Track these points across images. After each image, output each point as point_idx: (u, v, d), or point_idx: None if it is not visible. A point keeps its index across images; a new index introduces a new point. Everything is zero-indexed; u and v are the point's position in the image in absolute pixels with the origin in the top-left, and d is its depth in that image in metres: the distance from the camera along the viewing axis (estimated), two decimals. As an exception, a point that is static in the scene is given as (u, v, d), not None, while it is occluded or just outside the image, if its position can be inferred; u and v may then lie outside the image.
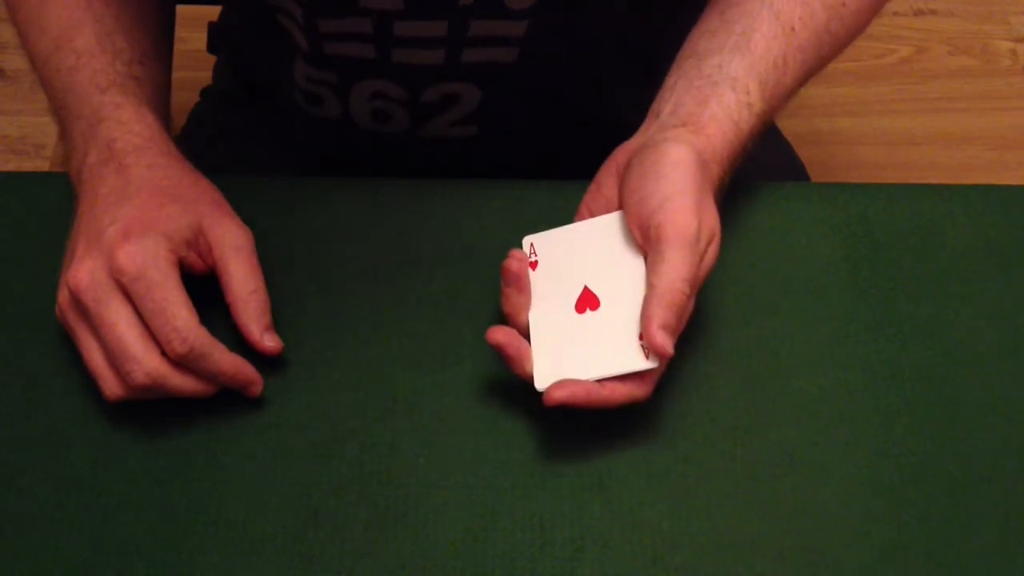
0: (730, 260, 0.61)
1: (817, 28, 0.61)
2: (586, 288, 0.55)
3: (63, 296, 0.55)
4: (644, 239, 0.54)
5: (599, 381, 0.52)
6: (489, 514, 0.53)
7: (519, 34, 0.66)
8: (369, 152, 0.76)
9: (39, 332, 0.59)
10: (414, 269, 0.62)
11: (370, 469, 0.55)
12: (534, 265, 0.57)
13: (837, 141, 1.48)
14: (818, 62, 0.62)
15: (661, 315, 0.51)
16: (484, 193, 0.65)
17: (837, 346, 0.59)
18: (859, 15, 0.64)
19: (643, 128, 0.59)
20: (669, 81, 0.60)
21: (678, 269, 0.52)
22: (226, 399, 0.55)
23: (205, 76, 0.89)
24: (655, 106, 0.60)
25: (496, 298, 0.56)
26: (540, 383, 0.53)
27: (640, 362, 0.52)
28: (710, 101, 0.58)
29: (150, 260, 0.53)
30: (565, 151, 0.71)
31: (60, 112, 0.62)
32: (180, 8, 0.74)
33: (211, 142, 0.81)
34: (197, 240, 0.56)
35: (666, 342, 0.51)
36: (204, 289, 0.56)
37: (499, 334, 0.54)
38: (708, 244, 0.54)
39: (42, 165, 1.44)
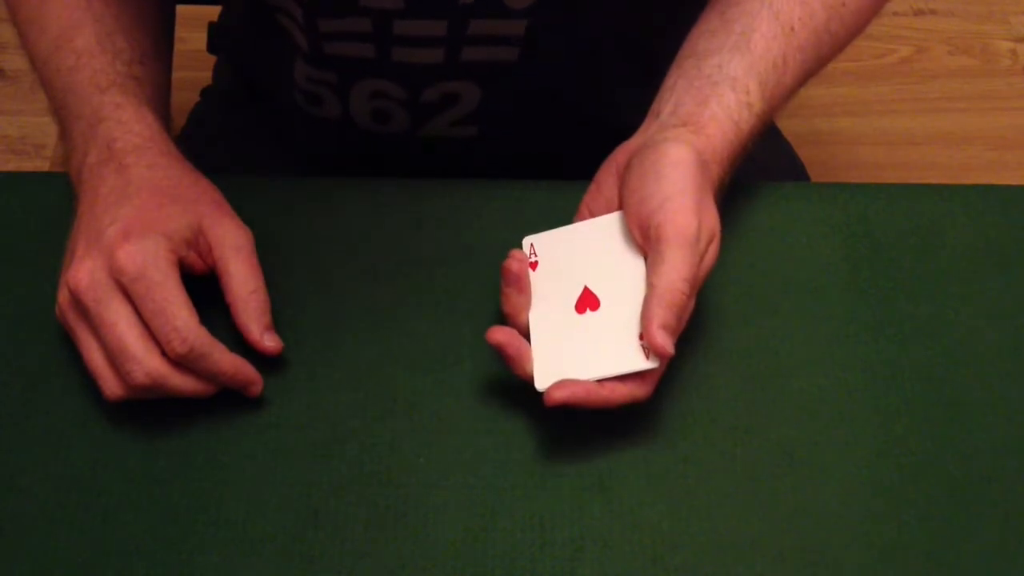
0: (730, 260, 0.61)
1: (817, 28, 0.61)
2: (586, 288, 0.55)
3: (63, 296, 0.55)
4: (644, 239, 0.54)
5: (599, 381, 0.52)
6: (489, 514, 0.53)
7: (519, 33, 0.66)
8: (369, 152, 0.76)
9: (39, 332, 0.59)
10: (414, 269, 0.62)
11: (370, 469, 0.55)
12: (534, 265, 0.57)
13: (837, 141, 1.48)
14: (818, 62, 0.62)
15: (661, 315, 0.51)
16: (484, 193, 0.65)
17: (837, 346, 0.59)
18: (859, 15, 0.64)
19: (643, 128, 0.59)
20: (669, 81, 0.60)
21: (678, 269, 0.52)
22: (226, 399, 0.55)
23: (205, 76, 0.89)
24: (655, 106, 0.60)
25: (496, 298, 0.56)
26: (540, 383, 0.53)
27: (640, 362, 0.52)
28: (710, 101, 0.58)
29: (150, 260, 0.53)
30: (565, 151, 0.71)
31: (60, 112, 0.62)
32: (180, 8, 0.74)
33: (211, 142, 0.81)
34: (197, 240, 0.56)
35: (666, 342, 0.51)
36: (204, 289, 0.56)
37: (499, 334, 0.54)
38: (708, 244, 0.54)
39: (42, 165, 1.44)
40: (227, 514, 0.53)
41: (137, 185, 0.56)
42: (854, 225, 0.65)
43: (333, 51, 0.68)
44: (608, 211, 0.57)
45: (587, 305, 0.55)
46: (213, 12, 0.89)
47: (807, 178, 0.85)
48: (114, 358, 0.53)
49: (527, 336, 0.55)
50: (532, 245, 0.58)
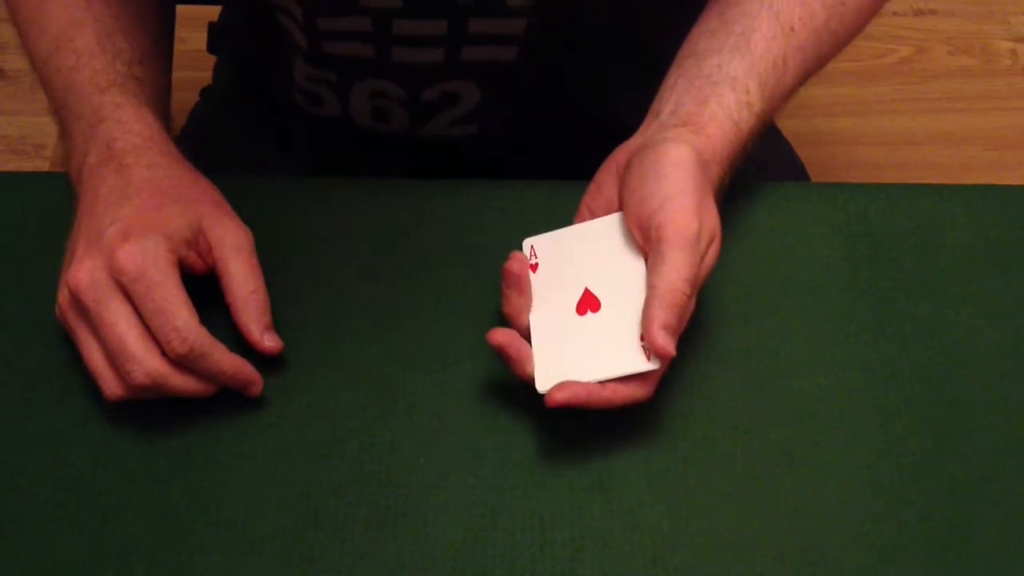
0: (730, 260, 0.61)
1: (816, 27, 0.61)
2: (587, 290, 0.55)
3: (63, 296, 0.55)
4: (644, 240, 0.54)
5: (600, 382, 0.52)
6: (489, 514, 0.53)
7: (518, 32, 0.66)
8: (369, 152, 0.76)
9: (39, 332, 0.59)
10: (414, 269, 0.62)
11: (370, 469, 0.55)
12: (535, 267, 0.57)
13: (837, 141, 1.48)
14: (818, 62, 0.62)
15: (662, 316, 0.51)
16: (484, 193, 0.65)
17: (837, 346, 0.59)
18: (859, 14, 0.64)
19: (643, 128, 0.59)
20: (669, 81, 0.60)
21: (679, 270, 0.52)
22: (226, 399, 0.55)
23: (205, 76, 0.89)
24: (655, 106, 0.60)
25: (496, 298, 0.56)
26: (541, 385, 0.53)
27: (641, 363, 0.52)
28: (710, 101, 0.58)
29: (150, 260, 0.53)
30: (565, 151, 0.71)
31: (60, 112, 0.62)
32: (180, 8, 0.74)
33: (211, 142, 0.81)
34: (197, 240, 0.56)
35: (667, 343, 0.51)
36: (204, 289, 0.56)
37: (500, 336, 0.54)
38: (709, 244, 0.54)
39: (42, 165, 1.44)
40: (227, 514, 0.53)
41: (137, 185, 0.56)
42: (854, 225, 0.65)
43: (333, 50, 0.68)
44: (608, 211, 0.57)
45: (588, 307, 0.55)
46: (213, 12, 0.89)
47: (807, 178, 0.85)
48: (114, 358, 0.53)
49: (528, 338, 0.55)
50: (532, 247, 0.58)
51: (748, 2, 0.61)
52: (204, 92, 0.89)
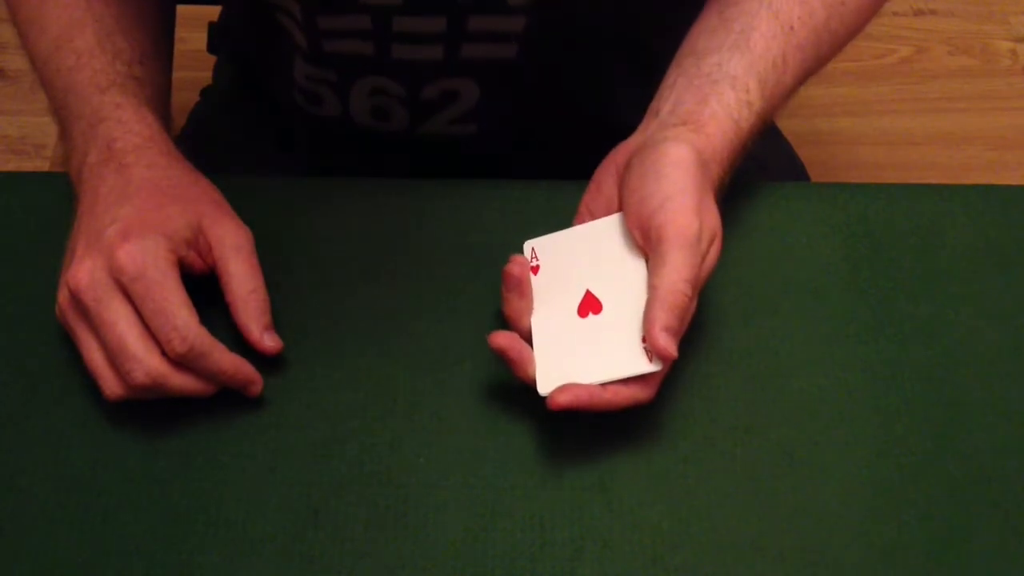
0: (730, 260, 0.61)
1: (816, 27, 0.61)
2: (588, 292, 0.55)
3: (63, 296, 0.55)
4: (644, 240, 0.54)
5: (602, 384, 0.52)
6: (489, 514, 0.53)
7: (518, 30, 0.66)
8: (369, 152, 0.76)
9: (39, 332, 0.59)
10: (414, 269, 0.62)
11: (370, 469, 0.55)
12: (535, 270, 0.57)
13: (837, 141, 1.48)
14: (817, 61, 0.62)
15: (663, 318, 0.51)
16: (484, 193, 0.65)
17: (837, 346, 0.59)
18: (859, 13, 0.64)
19: (642, 127, 0.59)
20: (668, 79, 0.60)
21: (680, 271, 0.52)
22: (226, 399, 0.55)
23: (205, 76, 0.89)
24: (654, 104, 0.60)
25: (496, 298, 0.56)
26: (543, 387, 0.53)
27: (643, 365, 0.52)
28: (710, 99, 0.57)
29: (150, 260, 0.53)
30: (565, 150, 0.71)
31: (60, 112, 0.62)
32: (180, 8, 0.74)
33: (211, 142, 0.81)
34: (197, 240, 0.56)
35: (669, 344, 0.51)
36: (204, 289, 0.56)
37: (501, 339, 0.53)
38: (710, 244, 0.54)
39: (42, 165, 1.44)
40: (227, 514, 0.53)
41: (137, 185, 0.57)
42: (854, 225, 0.64)
43: (332, 49, 0.68)
44: (608, 211, 0.57)
45: (589, 309, 0.55)
46: (213, 12, 0.89)
47: (807, 178, 0.85)
48: (114, 358, 0.53)
49: (529, 340, 0.55)
50: (533, 249, 0.58)
51: (747, 1, 0.61)
52: (204, 92, 0.89)
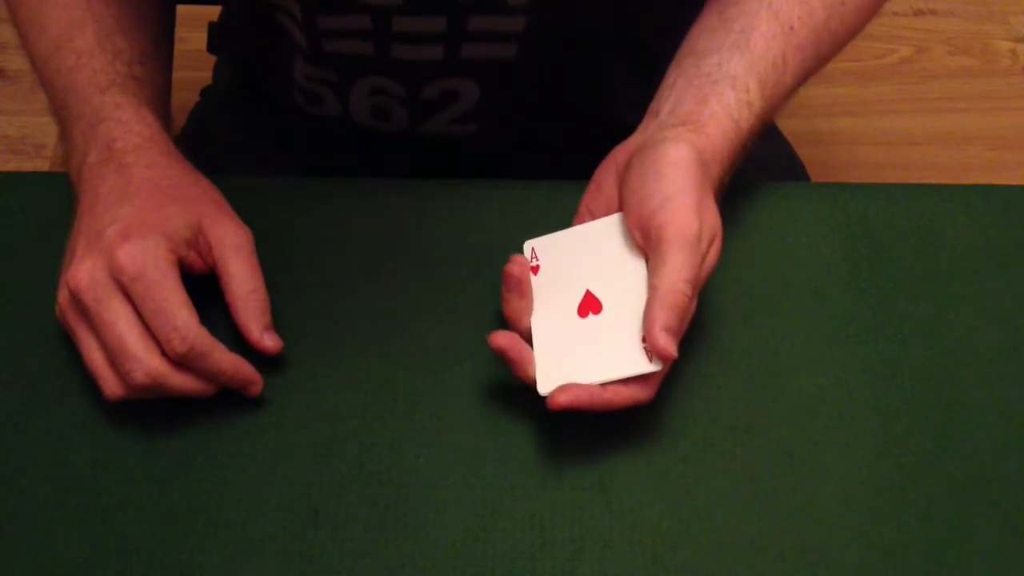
0: (730, 260, 0.61)
1: (816, 27, 0.61)
2: (588, 292, 0.55)
3: (63, 296, 0.55)
4: (645, 240, 0.54)
5: (602, 384, 0.52)
6: (489, 514, 0.53)
7: (518, 30, 0.66)
8: (369, 152, 0.76)
9: (39, 332, 0.59)
10: (414, 269, 0.62)
11: (370, 469, 0.55)
12: (536, 269, 0.57)
13: (837, 141, 1.48)
14: (817, 61, 0.62)
15: (663, 318, 0.51)
16: (484, 193, 0.65)
17: (837, 346, 0.59)
18: (859, 13, 0.64)
19: (642, 127, 0.59)
20: (668, 79, 0.60)
21: (680, 270, 0.52)
22: (226, 399, 0.55)
23: (205, 76, 0.89)
24: (654, 104, 0.60)
25: (496, 298, 0.56)
26: (543, 388, 0.53)
27: (643, 365, 0.52)
28: (710, 99, 0.57)
29: (150, 260, 0.53)
30: (565, 150, 0.71)
31: (60, 112, 0.62)
32: (180, 8, 0.74)
33: (211, 142, 0.81)
34: (197, 240, 0.56)
35: (669, 344, 0.51)
36: (204, 289, 0.56)
37: (501, 339, 0.53)
38: (710, 244, 0.54)
39: (42, 165, 1.44)
40: (227, 514, 0.53)
41: (137, 185, 0.57)
42: (854, 225, 0.64)
43: (332, 49, 0.68)
44: (608, 211, 0.57)
45: (589, 309, 0.55)
46: (213, 12, 0.89)
47: (807, 178, 0.85)
48: (114, 358, 0.53)
49: (529, 340, 0.55)
50: (533, 249, 0.58)
51: (747, 1, 0.61)
52: (204, 92, 0.89)
